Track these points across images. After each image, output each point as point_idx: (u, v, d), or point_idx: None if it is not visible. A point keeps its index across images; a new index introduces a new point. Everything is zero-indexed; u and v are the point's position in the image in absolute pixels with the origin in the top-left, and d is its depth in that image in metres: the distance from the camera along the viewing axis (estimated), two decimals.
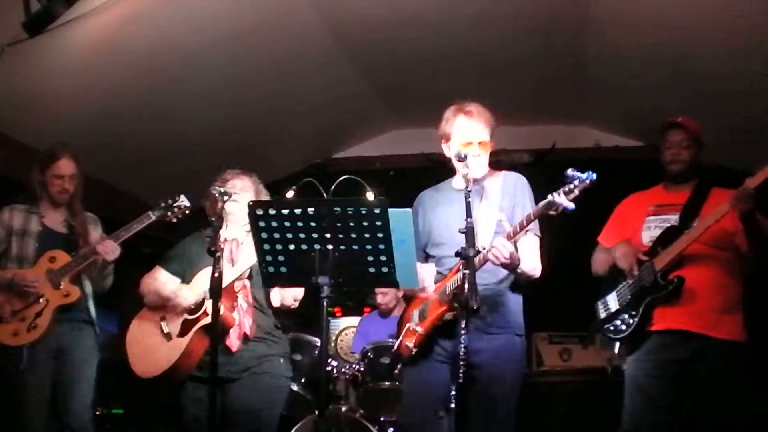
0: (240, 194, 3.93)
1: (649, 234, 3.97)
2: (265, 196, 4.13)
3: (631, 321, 3.86)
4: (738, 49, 5.13)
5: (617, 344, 4.00)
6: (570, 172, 3.19)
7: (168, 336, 3.90)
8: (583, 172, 3.19)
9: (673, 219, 3.91)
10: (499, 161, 3.88)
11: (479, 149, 3.62)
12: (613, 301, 3.98)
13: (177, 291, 3.98)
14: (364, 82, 6.73)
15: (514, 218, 3.60)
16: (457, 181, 3.79)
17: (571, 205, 3.18)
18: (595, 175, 3.18)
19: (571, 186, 3.18)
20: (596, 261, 4.21)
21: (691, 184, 4.00)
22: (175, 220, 4.33)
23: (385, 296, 6.33)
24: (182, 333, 3.86)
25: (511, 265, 3.40)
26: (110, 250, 4.34)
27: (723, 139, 5.53)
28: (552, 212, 3.24)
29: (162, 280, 4.09)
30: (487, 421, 3.45)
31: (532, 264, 3.54)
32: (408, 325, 3.73)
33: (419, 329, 3.64)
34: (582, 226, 4.28)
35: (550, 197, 3.22)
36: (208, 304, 3.73)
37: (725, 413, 3.67)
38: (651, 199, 4.11)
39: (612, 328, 3.95)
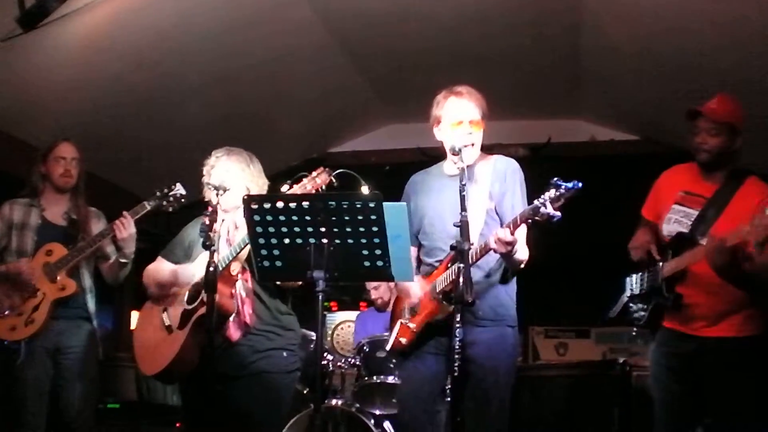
0: (226, 179, 3.83)
1: (668, 228, 3.86)
2: (250, 171, 3.97)
3: (644, 313, 3.86)
4: (735, 43, 5.12)
5: (634, 330, 3.99)
6: (556, 180, 3.14)
7: (169, 329, 3.81)
8: (569, 181, 3.15)
9: (693, 215, 3.78)
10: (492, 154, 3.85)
11: (470, 127, 3.59)
12: (636, 284, 3.94)
13: (177, 272, 3.86)
14: (360, 77, 6.73)
15: (504, 204, 3.60)
16: (448, 166, 3.75)
17: (558, 214, 3.13)
18: (581, 184, 3.13)
19: (557, 194, 3.11)
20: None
21: (725, 173, 3.80)
22: (171, 209, 4.31)
23: (377, 290, 6.32)
24: (182, 325, 3.75)
25: (511, 252, 3.36)
26: (125, 225, 4.29)
27: None
28: (537, 218, 3.21)
29: (161, 269, 4.00)
30: (481, 414, 3.45)
31: (523, 251, 3.52)
32: (400, 320, 3.72)
33: (411, 325, 3.63)
34: (578, 221, 4.28)
35: (536, 202, 3.17)
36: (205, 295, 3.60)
37: (732, 411, 3.62)
38: (684, 179, 3.93)
39: (631, 311, 3.93)
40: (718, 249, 3.40)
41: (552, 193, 3.12)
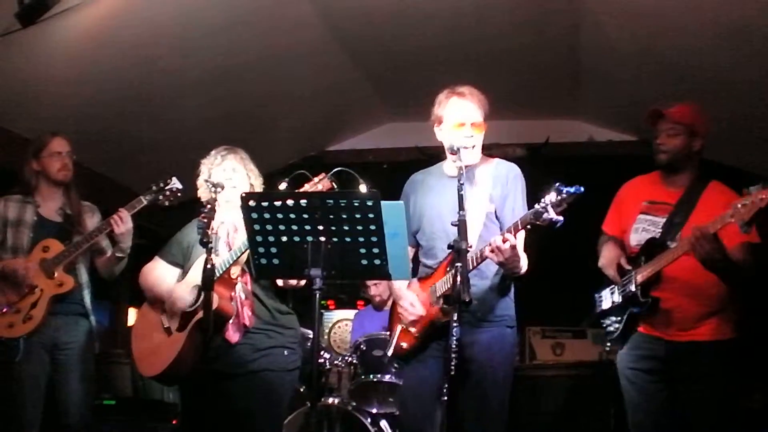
0: (233, 177, 3.88)
1: (636, 237, 3.91)
2: (255, 172, 4.02)
3: (617, 325, 3.87)
4: (734, 43, 5.12)
5: (608, 344, 4.04)
6: (558, 184, 3.13)
7: (168, 331, 3.82)
8: (571, 185, 3.12)
9: (661, 222, 3.84)
10: (492, 155, 3.85)
11: (472, 130, 3.58)
12: (606, 298, 3.97)
13: (171, 292, 3.87)
14: (359, 75, 6.72)
15: (505, 208, 3.60)
16: (448, 167, 3.75)
17: (560, 219, 3.12)
18: (582, 189, 3.11)
19: (559, 199, 3.11)
20: (599, 251, 4.19)
21: (687, 178, 3.89)
22: (167, 204, 4.30)
23: (377, 287, 6.32)
24: (181, 327, 3.77)
25: (510, 263, 3.35)
26: (123, 220, 4.27)
27: (719, 134, 5.54)
28: (539, 223, 3.19)
29: (158, 275, 4.00)
30: (479, 414, 3.45)
31: (523, 260, 3.48)
32: (401, 325, 3.71)
33: (413, 330, 3.63)
34: (575, 221, 4.28)
35: (538, 207, 3.16)
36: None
37: (713, 412, 3.66)
38: (647, 190, 4.02)
39: (604, 325, 3.97)
40: (702, 238, 3.42)
41: (554, 197, 3.11)
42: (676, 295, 3.71)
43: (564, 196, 3.10)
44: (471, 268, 3.33)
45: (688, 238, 3.50)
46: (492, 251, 3.28)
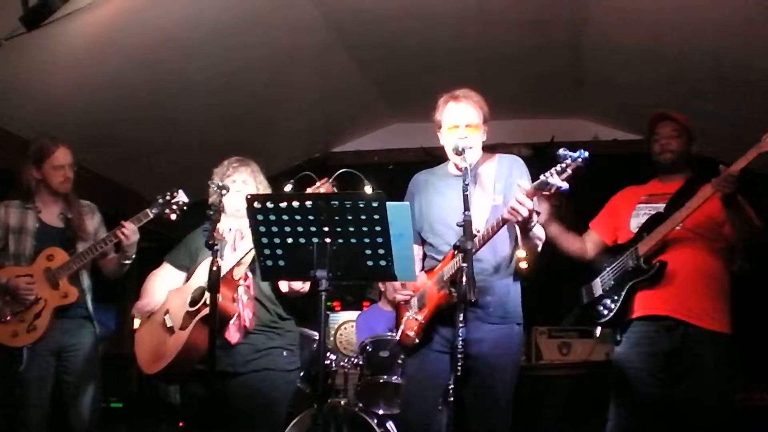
0: (243, 187, 3.91)
1: (637, 221, 4.01)
2: (264, 184, 4.06)
3: (613, 306, 3.90)
4: (737, 44, 5.13)
5: (599, 329, 4.07)
6: (562, 151, 3.17)
7: (171, 330, 3.84)
8: (574, 151, 3.16)
9: (662, 207, 3.93)
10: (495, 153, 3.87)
11: (466, 131, 3.62)
12: (597, 287, 4.02)
13: (157, 310, 3.95)
14: (363, 76, 6.73)
15: (512, 196, 3.60)
16: (452, 166, 3.80)
17: (565, 185, 3.15)
18: (587, 153, 3.16)
19: (564, 165, 3.16)
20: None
21: (684, 176, 4.01)
22: (174, 217, 4.30)
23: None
24: (184, 326, 3.80)
25: (529, 221, 3.38)
26: (128, 234, 4.28)
27: (721, 134, 5.53)
28: (546, 193, 3.22)
29: (155, 287, 4.04)
30: (486, 412, 3.47)
31: (540, 230, 3.54)
32: (407, 314, 3.73)
33: (419, 317, 3.64)
34: (581, 220, 4.29)
35: (543, 177, 3.20)
36: (209, 296, 3.63)
37: (710, 407, 3.69)
38: (644, 191, 4.13)
39: (595, 313, 3.99)
40: (727, 178, 3.58)
41: (559, 166, 3.15)
42: (682, 265, 3.77)
43: (568, 161, 3.15)
44: (485, 240, 3.42)
45: (716, 179, 3.63)
46: (510, 212, 3.31)
